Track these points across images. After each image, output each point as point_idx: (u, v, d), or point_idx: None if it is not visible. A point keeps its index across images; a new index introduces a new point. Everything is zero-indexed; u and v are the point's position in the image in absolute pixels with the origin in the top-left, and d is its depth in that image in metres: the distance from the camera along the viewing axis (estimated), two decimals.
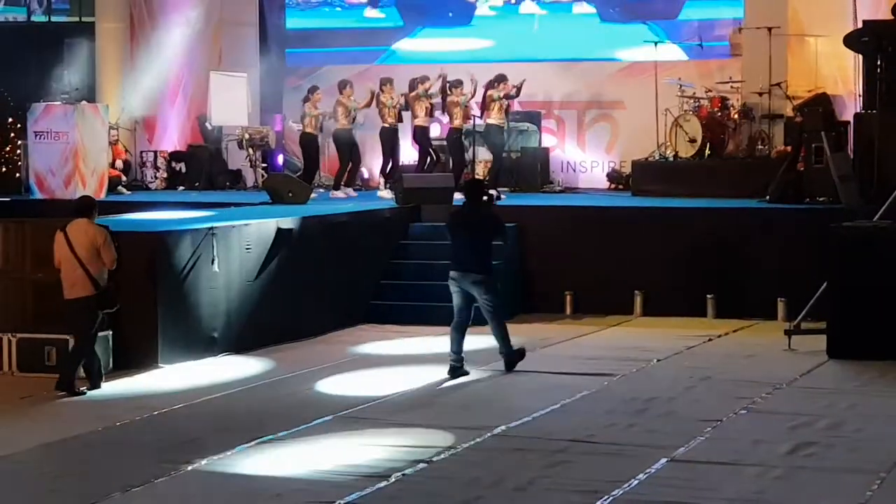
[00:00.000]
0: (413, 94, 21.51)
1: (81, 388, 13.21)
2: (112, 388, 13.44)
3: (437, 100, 21.56)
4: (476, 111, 21.63)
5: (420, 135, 21.62)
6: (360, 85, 22.39)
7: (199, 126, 25.13)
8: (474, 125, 21.75)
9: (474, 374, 14.07)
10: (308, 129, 22.01)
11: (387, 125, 21.69)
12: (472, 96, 21.36)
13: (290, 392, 13.17)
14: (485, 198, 14.30)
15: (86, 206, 13.53)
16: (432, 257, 18.32)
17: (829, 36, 21.32)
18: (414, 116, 21.65)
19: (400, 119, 21.78)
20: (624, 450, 10.65)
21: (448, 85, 21.34)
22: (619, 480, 9.60)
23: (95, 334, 13.30)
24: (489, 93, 21.07)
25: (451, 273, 14.01)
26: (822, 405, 12.33)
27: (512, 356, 14.24)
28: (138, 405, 12.54)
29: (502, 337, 14.20)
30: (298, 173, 23.27)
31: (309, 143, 22.15)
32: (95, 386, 13.28)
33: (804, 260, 16.80)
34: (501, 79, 21.19)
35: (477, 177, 22.12)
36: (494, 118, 21.12)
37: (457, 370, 13.93)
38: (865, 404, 12.41)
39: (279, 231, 16.47)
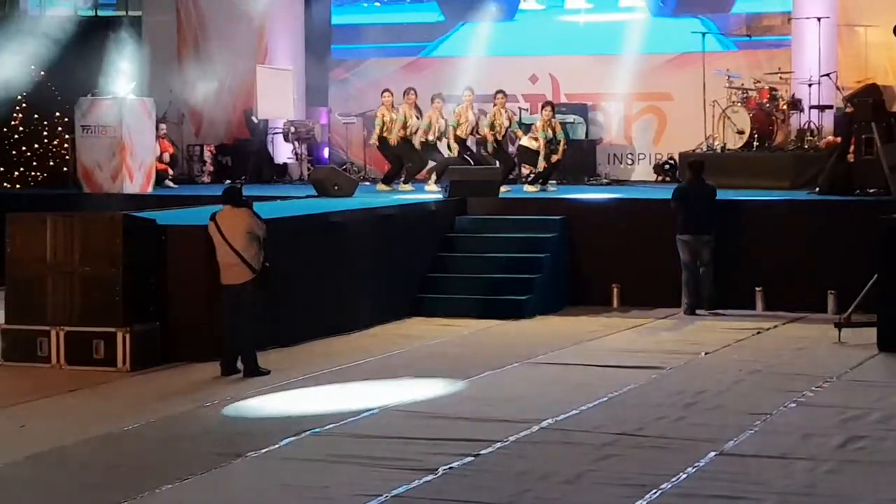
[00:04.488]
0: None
1: (265, 368, 13.56)
2: (160, 380, 13.51)
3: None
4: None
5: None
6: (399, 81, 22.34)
7: (246, 120, 25.19)
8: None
9: (520, 367, 14.04)
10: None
11: (424, 140, 21.43)
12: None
13: (335, 386, 13.16)
14: None
15: (231, 195, 13.85)
16: (479, 250, 18.34)
17: (878, 26, 21.15)
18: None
19: (439, 138, 21.54)
20: (672, 443, 10.59)
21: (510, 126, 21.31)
22: (667, 474, 9.55)
23: (256, 317, 13.58)
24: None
25: (685, 237, 17.28)
26: (872, 398, 12.22)
27: (717, 301, 17.28)
28: (187, 398, 12.57)
29: (715, 283, 17.24)
30: (344, 166, 23.31)
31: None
32: (233, 370, 13.59)
33: (854, 252, 16.65)
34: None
35: (523, 168, 22.11)
36: (527, 141, 21.05)
37: (694, 307, 17.32)
38: None
39: (326, 224, 16.48)
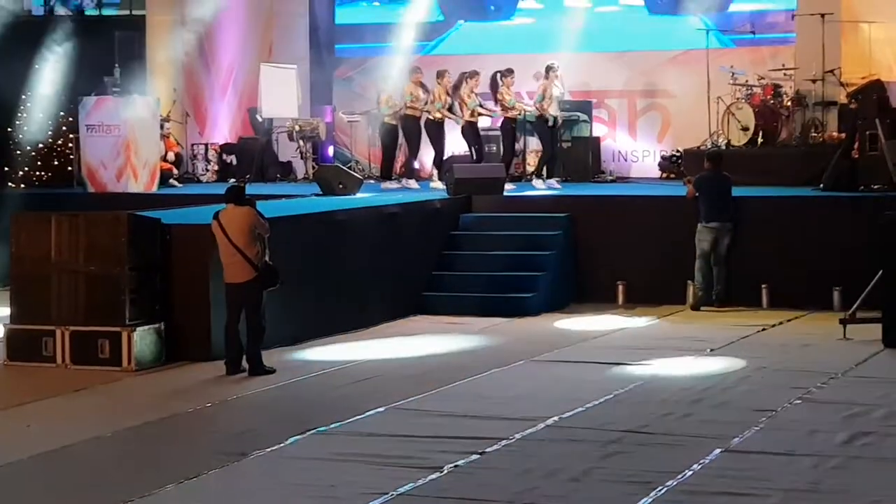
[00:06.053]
0: (459, 91, 21.39)
1: (269, 367, 13.56)
2: (165, 380, 13.52)
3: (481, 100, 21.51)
4: (528, 102, 21.71)
5: (468, 130, 21.46)
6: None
7: (250, 118, 25.19)
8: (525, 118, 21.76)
9: (525, 365, 14.04)
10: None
11: (433, 118, 21.49)
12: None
13: (342, 384, 13.18)
14: None
15: (234, 193, 13.83)
16: (484, 248, 18.33)
17: (883, 22, 21.13)
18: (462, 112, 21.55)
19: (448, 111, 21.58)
20: (678, 440, 10.59)
21: (499, 74, 21.32)
22: (673, 471, 9.54)
23: (262, 314, 13.58)
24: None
25: (711, 224, 17.61)
26: (877, 394, 12.22)
27: (727, 296, 17.58)
28: (192, 397, 12.58)
29: (726, 278, 17.59)
30: (348, 165, 23.29)
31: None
32: (238, 369, 13.60)
33: (859, 248, 16.62)
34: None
35: (528, 166, 22.12)
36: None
37: (706, 299, 17.58)
38: None
39: (331, 223, 16.49)
